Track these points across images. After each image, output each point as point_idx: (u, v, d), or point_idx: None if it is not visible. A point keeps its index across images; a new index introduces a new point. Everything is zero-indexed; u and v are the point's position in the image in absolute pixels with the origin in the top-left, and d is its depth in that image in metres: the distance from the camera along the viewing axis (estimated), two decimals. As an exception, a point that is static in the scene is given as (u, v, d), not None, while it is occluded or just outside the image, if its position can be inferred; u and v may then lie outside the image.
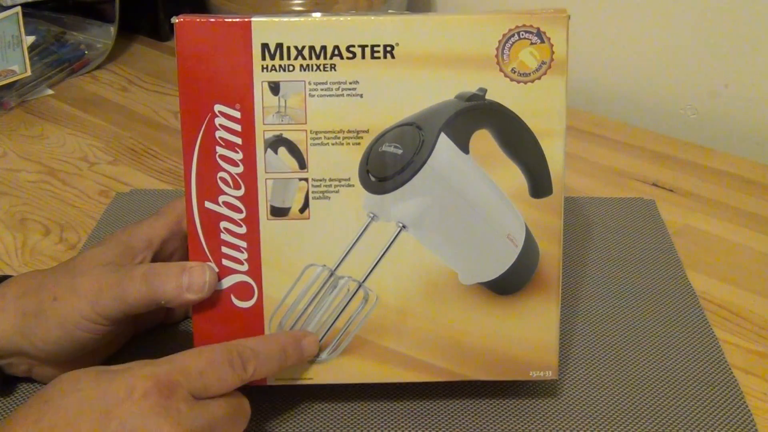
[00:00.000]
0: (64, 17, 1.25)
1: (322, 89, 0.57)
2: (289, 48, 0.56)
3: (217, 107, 0.57)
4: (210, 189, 0.57)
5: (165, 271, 0.57)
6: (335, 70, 0.56)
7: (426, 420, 0.62)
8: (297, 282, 0.59)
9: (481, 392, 0.63)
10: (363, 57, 0.56)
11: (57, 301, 0.58)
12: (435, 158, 0.57)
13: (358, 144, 0.57)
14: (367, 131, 0.57)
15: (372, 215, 0.58)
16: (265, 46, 0.56)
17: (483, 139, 0.58)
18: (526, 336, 0.60)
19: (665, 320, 0.71)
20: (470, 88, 0.57)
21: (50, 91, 1.14)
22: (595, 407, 0.63)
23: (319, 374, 0.60)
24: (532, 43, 0.56)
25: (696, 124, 1.07)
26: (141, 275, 0.57)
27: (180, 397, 0.51)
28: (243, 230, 0.58)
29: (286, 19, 0.56)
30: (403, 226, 0.58)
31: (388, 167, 0.57)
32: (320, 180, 0.58)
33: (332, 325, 0.59)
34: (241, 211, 0.58)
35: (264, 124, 0.57)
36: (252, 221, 0.58)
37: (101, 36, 1.23)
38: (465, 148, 0.58)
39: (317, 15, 0.57)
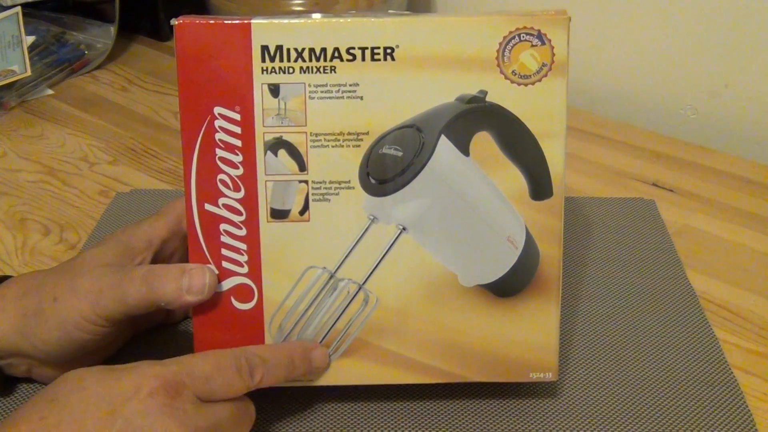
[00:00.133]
0: (64, 17, 1.25)
1: (322, 91, 0.57)
2: (289, 50, 0.56)
3: (217, 109, 0.57)
4: (210, 191, 0.57)
5: (165, 273, 0.57)
6: (335, 72, 0.56)
7: (426, 421, 0.62)
8: (297, 284, 0.59)
9: (481, 393, 0.64)
10: (363, 59, 0.56)
11: (57, 301, 0.58)
12: (435, 160, 0.57)
13: (358, 146, 0.57)
14: (367, 133, 0.57)
15: (372, 217, 0.58)
16: (265, 48, 0.56)
17: (483, 142, 0.58)
18: (526, 338, 0.60)
19: (665, 320, 0.71)
20: (471, 90, 0.57)
21: (50, 91, 1.14)
22: (595, 407, 0.63)
23: (320, 376, 0.60)
24: (532, 45, 0.56)
25: (696, 124, 1.07)
26: (141, 277, 0.57)
27: (186, 398, 0.51)
28: (243, 232, 0.58)
29: (286, 21, 0.56)
30: (404, 229, 0.58)
31: (388, 169, 0.57)
32: (320, 182, 0.58)
33: (332, 327, 0.59)
34: (240, 214, 0.58)
35: (264, 126, 0.57)
36: (252, 223, 0.58)
37: (101, 36, 1.23)
38: (465, 151, 0.58)
39: (317, 16, 0.57)
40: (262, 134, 0.57)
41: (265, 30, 0.56)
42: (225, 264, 0.58)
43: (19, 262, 0.80)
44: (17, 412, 0.50)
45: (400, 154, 0.57)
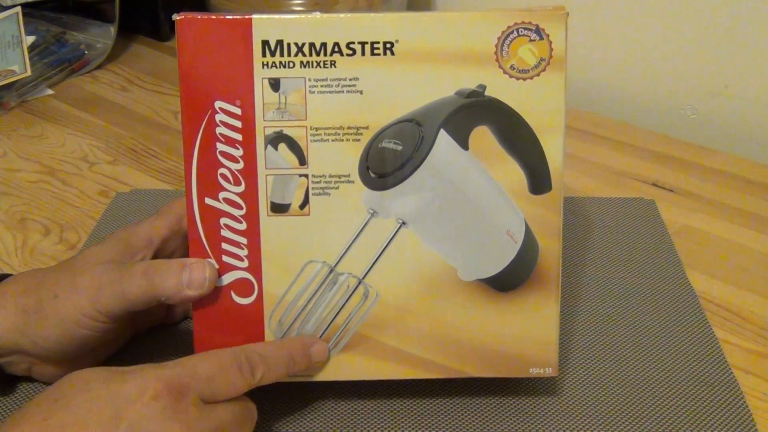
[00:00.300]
0: (64, 17, 1.25)
1: (322, 86, 0.57)
2: (289, 45, 0.56)
3: (218, 104, 0.57)
4: (210, 185, 0.57)
5: (165, 268, 0.57)
6: (335, 66, 0.56)
7: (426, 417, 0.62)
8: (297, 278, 0.59)
9: (481, 390, 0.63)
10: (363, 54, 0.56)
11: (57, 298, 0.58)
12: (434, 155, 0.57)
13: (358, 140, 0.57)
14: (366, 128, 0.57)
15: (372, 211, 0.58)
16: (265, 43, 0.56)
17: (482, 136, 0.58)
18: (525, 332, 0.60)
19: (665, 320, 0.71)
20: (470, 85, 0.57)
21: (50, 91, 1.14)
22: (595, 407, 0.63)
23: (319, 371, 0.60)
24: (531, 40, 0.56)
25: (696, 124, 1.07)
26: (141, 271, 0.57)
27: (190, 401, 0.51)
28: (243, 227, 0.58)
29: (286, 16, 0.57)
30: (403, 223, 0.58)
31: (387, 163, 0.57)
32: (320, 176, 0.58)
33: (332, 321, 0.59)
34: (241, 208, 0.58)
35: (264, 120, 0.57)
36: (252, 218, 0.58)
37: (101, 36, 1.23)
38: (464, 145, 0.58)
39: (317, 14, 0.57)
40: (263, 128, 0.57)
41: (265, 25, 0.56)
42: (225, 258, 0.58)
43: (19, 261, 0.80)
44: (20, 411, 0.50)
45: (399, 148, 0.57)
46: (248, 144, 0.57)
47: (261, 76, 0.57)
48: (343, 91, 0.57)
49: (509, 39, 0.56)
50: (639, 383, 0.65)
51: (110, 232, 0.69)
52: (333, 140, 0.57)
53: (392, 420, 0.61)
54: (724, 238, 0.83)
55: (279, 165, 0.58)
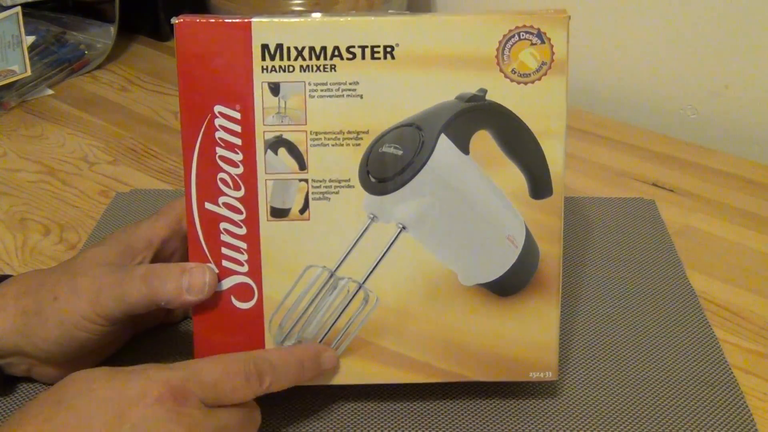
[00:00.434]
0: (64, 17, 1.25)
1: (322, 90, 0.57)
2: (289, 49, 0.56)
3: (217, 108, 0.57)
4: (210, 190, 0.57)
5: (165, 272, 0.57)
6: (335, 70, 0.56)
7: (426, 420, 0.62)
8: (297, 283, 0.59)
9: (481, 393, 0.63)
10: (363, 58, 0.56)
11: (57, 300, 0.58)
12: (435, 159, 0.57)
13: (358, 145, 0.57)
14: (367, 132, 0.57)
15: (372, 216, 0.58)
16: (265, 47, 0.56)
17: (483, 140, 0.58)
18: (526, 337, 0.60)
19: (665, 320, 0.71)
20: (470, 89, 0.57)
21: (50, 91, 1.14)
22: (595, 407, 0.63)
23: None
24: (532, 44, 0.56)
25: (696, 124, 1.07)
26: (141, 276, 0.57)
27: (193, 404, 0.51)
28: (243, 231, 0.58)
29: (286, 19, 0.56)
30: (403, 227, 0.58)
31: (388, 168, 0.57)
32: (320, 181, 0.58)
33: (332, 326, 0.59)
34: (241, 212, 0.58)
35: (264, 124, 0.57)
36: (252, 222, 0.58)
37: (101, 36, 1.23)
38: (465, 149, 0.58)
39: (317, 15, 0.57)
40: (263, 133, 0.57)
41: (265, 29, 0.56)
42: (225, 263, 0.58)
43: (19, 262, 0.80)
44: (22, 411, 0.50)
45: (400, 152, 0.57)
46: (248, 148, 0.57)
47: (261, 80, 0.56)
48: (343, 95, 0.57)
49: (510, 43, 0.56)
50: (639, 383, 0.65)
51: (110, 232, 0.69)
52: (333, 145, 0.57)
53: (392, 421, 0.61)
54: (724, 238, 0.83)
55: (279, 170, 0.57)
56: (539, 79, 0.57)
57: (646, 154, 0.98)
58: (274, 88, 0.57)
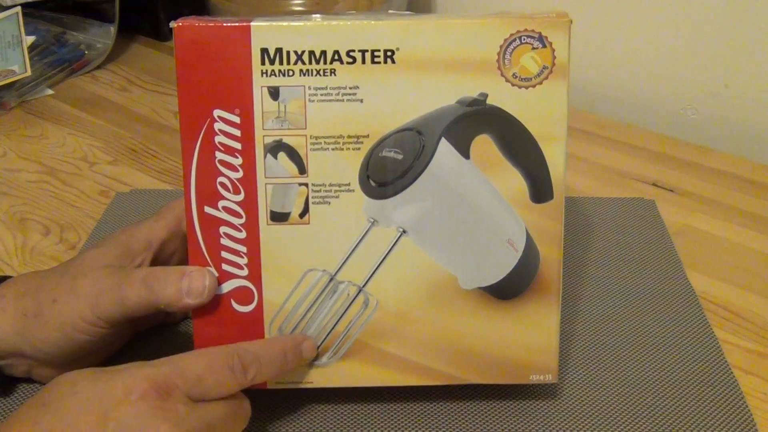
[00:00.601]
0: (64, 17, 1.25)
1: (321, 94, 0.56)
2: (288, 53, 0.56)
3: (217, 112, 0.56)
4: (209, 194, 0.57)
5: (165, 276, 0.57)
6: (335, 75, 0.56)
7: (426, 422, 0.62)
8: (297, 287, 0.59)
9: (481, 394, 0.64)
10: (363, 62, 0.56)
11: (56, 302, 0.58)
12: (435, 163, 0.57)
13: (358, 149, 0.57)
14: (367, 136, 0.57)
15: (372, 220, 0.58)
16: (264, 51, 0.56)
17: (484, 144, 0.57)
18: (526, 340, 0.60)
19: (665, 320, 0.71)
20: (471, 93, 0.56)
21: (50, 91, 1.14)
22: (595, 408, 0.63)
23: (320, 378, 0.60)
24: (533, 48, 0.56)
25: (696, 124, 1.07)
26: (141, 279, 0.57)
27: (178, 399, 0.50)
28: (243, 235, 0.58)
29: (285, 23, 0.56)
30: (404, 231, 0.58)
31: (388, 172, 0.57)
32: (320, 185, 0.58)
33: (332, 329, 0.59)
34: (240, 216, 0.58)
35: (263, 129, 0.57)
36: (252, 226, 0.58)
37: (101, 36, 1.23)
38: (466, 154, 0.57)
39: (317, 17, 0.57)
40: (262, 137, 0.57)
41: (264, 32, 0.56)
42: (225, 267, 0.58)
43: (19, 262, 0.80)
44: (10, 417, 0.50)
45: (400, 157, 0.57)
46: (247, 153, 0.57)
47: (260, 84, 0.56)
48: (343, 100, 0.57)
49: (512, 47, 0.56)
50: (639, 383, 0.65)
51: (110, 232, 0.70)
52: (333, 149, 0.57)
53: (392, 423, 0.61)
54: (724, 238, 0.84)
55: (278, 174, 0.57)
56: (540, 83, 0.57)
57: (646, 154, 0.98)
58: (274, 93, 0.56)
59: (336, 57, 0.56)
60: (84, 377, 0.51)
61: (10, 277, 0.64)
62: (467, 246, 0.59)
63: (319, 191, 0.58)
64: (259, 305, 0.59)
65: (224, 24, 0.56)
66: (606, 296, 0.74)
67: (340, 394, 0.63)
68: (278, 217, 0.58)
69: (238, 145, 0.57)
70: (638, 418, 0.62)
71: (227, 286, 0.58)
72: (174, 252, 0.65)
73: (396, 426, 0.61)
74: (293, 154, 0.57)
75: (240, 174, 0.57)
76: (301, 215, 0.58)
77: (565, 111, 0.57)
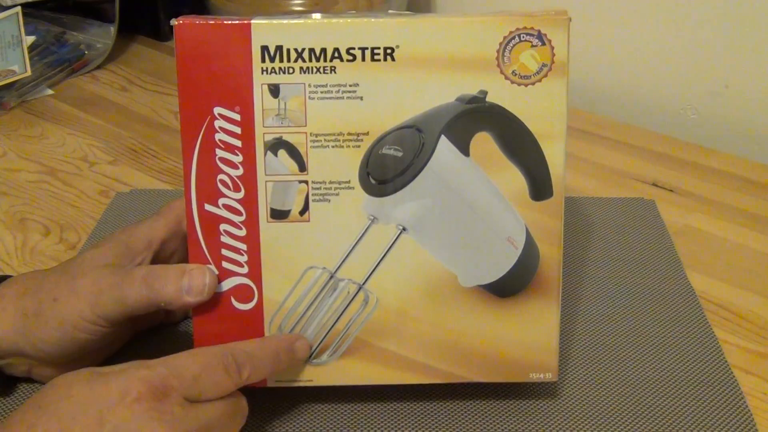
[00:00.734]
0: (64, 17, 1.25)
1: (322, 92, 0.57)
2: (288, 50, 0.56)
3: (217, 110, 0.56)
4: (210, 191, 0.57)
5: (165, 274, 0.57)
6: (335, 72, 0.56)
7: (426, 421, 0.62)
8: (297, 284, 0.59)
9: (482, 393, 0.64)
10: (363, 59, 0.56)
11: (57, 302, 0.58)
12: (435, 161, 0.57)
13: (358, 147, 0.57)
14: (367, 134, 0.57)
15: (372, 218, 0.58)
16: (264, 49, 0.56)
17: (483, 142, 0.58)
18: (525, 338, 0.60)
19: (665, 320, 0.71)
20: (471, 91, 0.57)
21: (50, 91, 1.14)
22: (595, 407, 0.63)
23: (320, 376, 0.60)
24: (533, 46, 0.56)
25: (696, 124, 1.07)
26: (141, 277, 0.57)
27: (173, 400, 0.50)
28: (243, 233, 0.58)
29: (285, 21, 0.56)
30: (404, 229, 0.58)
31: (388, 170, 0.57)
32: (320, 182, 0.58)
33: (332, 327, 0.59)
34: (240, 214, 0.58)
35: (264, 126, 0.57)
36: (252, 224, 0.58)
37: (101, 36, 1.23)
38: (465, 151, 0.58)
39: (317, 16, 0.57)
40: (262, 134, 0.57)
41: (265, 30, 0.56)
42: (225, 264, 0.58)
43: (19, 262, 0.80)
44: (7, 419, 0.50)
45: (400, 154, 0.57)
46: (248, 150, 0.57)
47: (260, 81, 0.56)
48: (343, 97, 0.57)
49: (511, 44, 0.56)
50: (639, 383, 0.65)
51: (110, 232, 0.70)
52: (333, 146, 0.57)
53: (392, 422, 0.61)
54: (724, 238, 0.83)
55: (279, 171, 0.57)
56: (540, 80, 0.57)
57: (646, 154, 0.98)
58: (274, 90, 0.57)
59: (336, 54, 0.56)
60: (80, 379, 0.51)
61: (10, 276, 0.64)
62: (467, 244, 0.59)
63: (319, 189, 0.58)
64: (259, 303, 0.59)
65: (225, 22, 0.56)
66: (606, 296, 0.74)
67: (340, 393, 0.63)
68: (278, 215, 0.58)
69: (238, 143, 0.57)
70: (638, 418, 0.62)
71: (227, 284, 0.58)
72: (174, 251, 0.65)
73: (396, 425, 0.61)
74: (293, 152, 0.57)
75: (240, 171, 0.57)
76: (302, 213, 0.58)
77: (564, 108, 0.57)
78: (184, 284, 0.57)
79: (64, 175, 0.94)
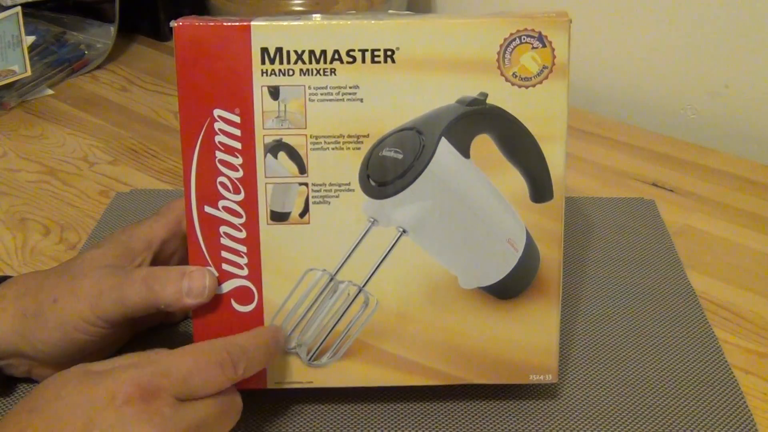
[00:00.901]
0: (64, 17, 1.25)
1: (322, 94, 0.56)
2: (288, 52, 0.56)
3: (217, 112, 0.56)
4: (210, 194, 0.57)
5: (165, 276, 0.57)
6: (335, 74, 0.56)
7: (426, 422, 0.62)
8: (297, 286, 0.59)
9: (482, 394, 0.64)
10: (363, 61, 0.56)
11: (57, 302, 0.58)
12: (436, 163, 0.57)
13: (359, 149, 0.57)
14: (367, 136, 0.57)
15: (372, 220, 0.58)
16: (264, 51, 0.56)
17: (484, 144, 0.57)
18: (526, 340, 0.60)
19: (665, 320, 0.71)
20: (471, 93, 0.56)
21: (50, 91, 1.14)
22: (595, 408, 0.63)
23: (320, 378, 0.60)
24: (533, 48, 0.56)
25: (696, 124, 1.07)
26: (141, 279, 0.57)
27: (163, 401, 0.50)
28: (243, 235, 0.58)
29: (285, 23, 0.56)
30: (404, 231, 0.58)
31: (388, 172, 0.57)
32: (320, 185, 0.58)
33: (332, 329, 0.59)
34: (240, 216, 0.58)
35: (264, 128, 0.57)
36: (252, 226, 0.58)
37: (101, 36, 1.23)
38: (466, 153, 0.57)
39: (317, 16, 0.57)
40: (262, 137, 0.57)
41: (264, 32, 0.56)
42: (225, 266, 0.58)
43: (19, 262, 0.80)
44: (1, 421, 0.50)
45: (400, 156, 0.57)
46: (247, 152, 0.57)
47: (260, 83, 0.56)
48: (343, 99, 0.57)
49: (512, 46, 0.56)
50: (639, 383, 0.65)
51: (110, 232, 0.70)
52: (333, 148, 0.57)
53: (392, 423, 0.61)
54: (724, 238, 0.84)
55: (279, 173, 0.57)
56: (540, 82, 0.57)
57: (646, 154, 0.98)
58: (274, 92, 0.56)
59: (336, 56, 0.56)
60: (71, 379, 0.51)
61: (10, 277, 0.64)
62: (467, 246, 0.59)
63: (319, 191, 0.58)
64: (259, 305, 0.59)
65: (224, 23, 0.56)
66: (606, 296, 0.74)
67: (340, 394, 0.63)
68: (278, 217, 0.58)
69: (238, 145, 0.57)
70: (638, 418, 0.62)
71: (227, 286, 0.58)
72: (174, 252, 0.65)
73: (396, 426, 0.61)
74: (293, 154, 0.57)
75: (240, 173, 0.57)
76: (301, 215, 0.58)
77: (565, 110, 0.57)
78: (184, 286, 0.57)
79: (64, 175, 0.94)
